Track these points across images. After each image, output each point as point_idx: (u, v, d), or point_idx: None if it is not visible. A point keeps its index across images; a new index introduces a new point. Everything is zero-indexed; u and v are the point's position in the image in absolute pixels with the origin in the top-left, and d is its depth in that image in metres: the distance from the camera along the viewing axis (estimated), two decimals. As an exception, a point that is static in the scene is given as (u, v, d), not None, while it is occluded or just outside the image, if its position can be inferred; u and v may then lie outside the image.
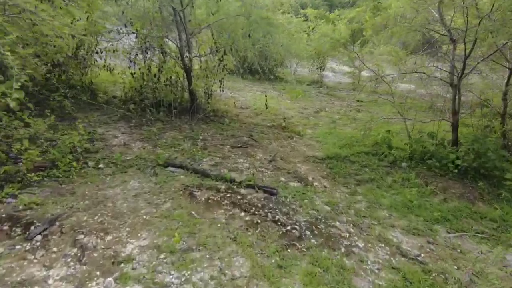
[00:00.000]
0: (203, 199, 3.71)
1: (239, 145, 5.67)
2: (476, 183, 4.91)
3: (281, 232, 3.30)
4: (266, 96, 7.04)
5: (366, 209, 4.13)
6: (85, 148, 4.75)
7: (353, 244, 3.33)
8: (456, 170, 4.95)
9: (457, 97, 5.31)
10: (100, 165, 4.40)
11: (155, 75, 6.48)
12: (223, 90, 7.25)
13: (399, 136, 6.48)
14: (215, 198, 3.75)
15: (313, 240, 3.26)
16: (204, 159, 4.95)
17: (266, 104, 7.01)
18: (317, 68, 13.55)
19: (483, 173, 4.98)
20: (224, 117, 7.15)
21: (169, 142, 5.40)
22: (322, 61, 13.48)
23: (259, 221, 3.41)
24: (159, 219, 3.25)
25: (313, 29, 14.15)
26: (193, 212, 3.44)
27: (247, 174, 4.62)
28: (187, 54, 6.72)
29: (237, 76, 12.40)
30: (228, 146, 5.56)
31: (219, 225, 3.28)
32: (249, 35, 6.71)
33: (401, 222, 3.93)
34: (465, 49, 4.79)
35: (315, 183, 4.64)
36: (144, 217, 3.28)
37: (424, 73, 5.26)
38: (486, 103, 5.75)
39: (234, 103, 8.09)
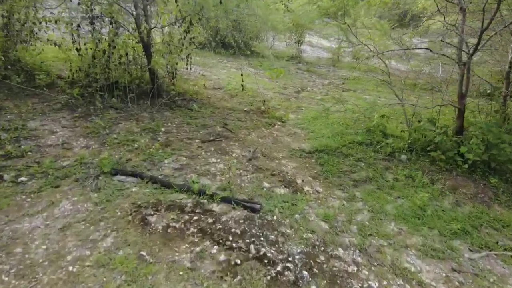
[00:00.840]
0: (160, 227, 2.63)
1: (212, 138, 4.55)
2: (487, 180, 4.13)
3: (269, 276, 2.32)
4: (242, 75, 5.86)
5: (370, 222, 3.22)
6: (4, 153, 3.48)
7: (365, 285, 2.43)
8: (465, 165, 4.14)
9: (465, 77, 4.41)
10: (22, 178, 3.16)
11: (104, 52, 5.08)
12: (191, 68, 5.99)
13: (393, 121, 5.59)
14: (177, 225, 2.68)
15: (313, 287, 2.31)
16: (166, 161, 3.81)
17: (242, 86, 5.85)
18: (295, 42, 12.31)
19: (495, 168, 4.21)
20: (193, 101, 5.93)
21: (122, 138, 4.19)
22: (300, 34, 12.23)
23: (239, 261, 2.40)
24: (91, 272, 2.16)
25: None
26: (144, 253, 2.36)
27: (222, 180, 3.57)
28: (145, 25, 5.34)
29: (209, 50, 10.96)
30: (197, 140, 4.42)
31: (181, 273, 2.24)
32: (220, 1, 5.39)
33: (414, 239, 3.07)
34: (483, 19, 3.82)
35: (306, 188, 3.67)
36: (70, 268, 2.17)
37: (429, 49, 4.30)
38: (492, 85, 4.93)
39: (204, 84, 6.84)
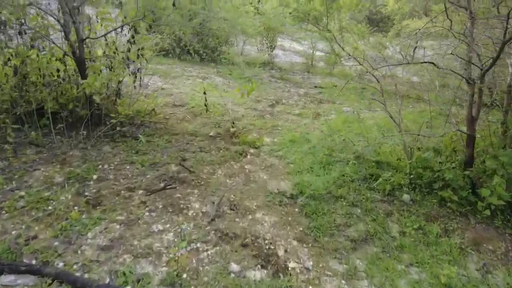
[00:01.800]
0: None
1: (162, 184, 3.33)
2: (512, 227, 3.23)
3: None
4: (205, 93, 4.66)
5: (384, 321, 2.17)
6: None
7: None
8: (486, 211, 3.19)
9: (477, 97, 3.48)
10: None
11: (16, 71, 3.70)
12: (141, 85, 4.70)
13: (383, 141, 4.61)
14: None
15: None
16: (90, 234, 2.56)
17: (206, 106, 4.66)
18: (267, 47, 11.19)
19: (520, 211, 3.31)
20: (145, 126, 4.64)
21: (32, 197, 2.86)
22: (272, 39, 11.13)
23: None
24: None
25: (259, 1, 11.64)
26: None
27: (168, 261, 2.38)
28: (81, 34, 4.00)
29: (173, 57, 9.63)
30: (141, 191, 3.18)
31: None
32: (173, 4, 4.15)
33: None
34: (506, 27, 2.88)
35: (290, 264, 2.56)
36: None
37: (433, 63, 3.33)
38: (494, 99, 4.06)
39: (152, 108, 5.55)
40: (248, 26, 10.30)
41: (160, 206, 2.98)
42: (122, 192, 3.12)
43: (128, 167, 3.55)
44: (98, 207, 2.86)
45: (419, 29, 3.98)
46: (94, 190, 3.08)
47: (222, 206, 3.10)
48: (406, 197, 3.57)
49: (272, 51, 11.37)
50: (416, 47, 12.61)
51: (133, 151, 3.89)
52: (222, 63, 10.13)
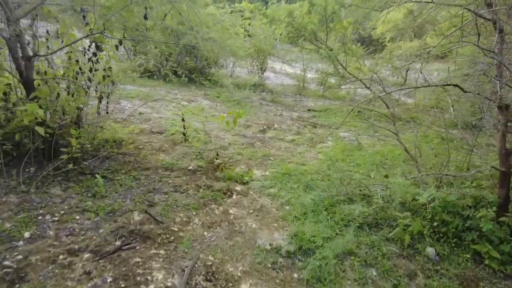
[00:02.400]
0: None
1: (117, 243, 2.48)
2: None
3: None
4: (183, 120, 3.90)
5: None
6: None
7: None
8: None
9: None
10: None
11: None
12: (107, 112, 3.91)
13: (393, 167, 3.87)
14: None
15: None
16: (-9, 338, 1.70)
17: (184, 135, 3.89)
18: (257, 69, 10.64)
19: None
20: (111, 159, 3.82)
21: None
22: (263, 61, 10.61)
23: None
24: None
25: (249, 24, 11.22)
26: None
27: None
28: (29, 51, 3.25)
29: (159, 79, 8.95)
30: (87, 255, 2.32)
31: None
32: (144, 17, 3.46)
33: None
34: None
35: None
36: None
37: (458, 86, 2.67)
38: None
39: (121, 138, 4.76)
40: (238, 48, 9.76)
41: (109, 279, 2.13)
42: (61, 257, 2.26)
43: (77, 217, 2.70)
44: (18, 285, 1.99)
45: (433, 47, 3.34)
46: (20, 257, 2.21)
47: (195, 276, 2.25)
48: (430, 251, 2.79)
49: (263, 73, 10.83)
50: (408, 69, 12.14)
51: (89, 194, 3.05)
52: (210, 85, 9.49)
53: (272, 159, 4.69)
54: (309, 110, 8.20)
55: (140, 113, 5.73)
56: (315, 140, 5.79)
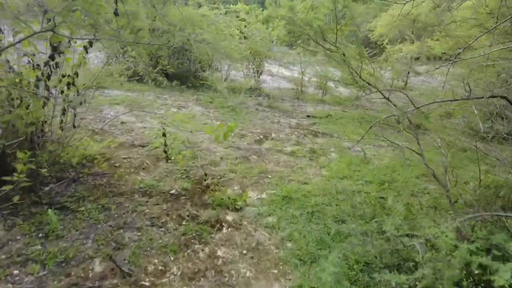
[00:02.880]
0: None
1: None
2: None
3: None
4: (164, 135, 3.25)
5: None
6: None
7: None
8: None
9: None
10: None
11: None
12: (74, 126, 3.23)
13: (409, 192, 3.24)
14: None
15: None
16: None
17: (166, 153, 3.24)
18: (253, 72, 10.00)
19: None
20: (78, 182, 3.14)
21: None
22: (259, 64, 9.97)
23: None
24: None
25: (245, 26, 10.60)
26: None
27: None
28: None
29: (149, 83, 8.26)
30: (15, 338, 1.68)
31: None
32: (115, 13, 2.80)
33: None
34: None
35: None
36: None
37: (506, 98, 2.06)
38: None
39: (93, 155, 4.08)
40: (233, 50, 9.09)
41: None
42: None
43: (15, 272, 2.03)
44: None
45: (462, 49, 2.71)
46: None
47: None
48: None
49: (259, 76, 10.18)
50: (409, 72, 11.53)
51: (40, 234, 2.38)
52: (204, 88, 8.83)
53: (269, 176, 4.04)
54: (308, 116, 7.57)
55: (122, 123, 5.06)
56: (316, 151, 5.15)
